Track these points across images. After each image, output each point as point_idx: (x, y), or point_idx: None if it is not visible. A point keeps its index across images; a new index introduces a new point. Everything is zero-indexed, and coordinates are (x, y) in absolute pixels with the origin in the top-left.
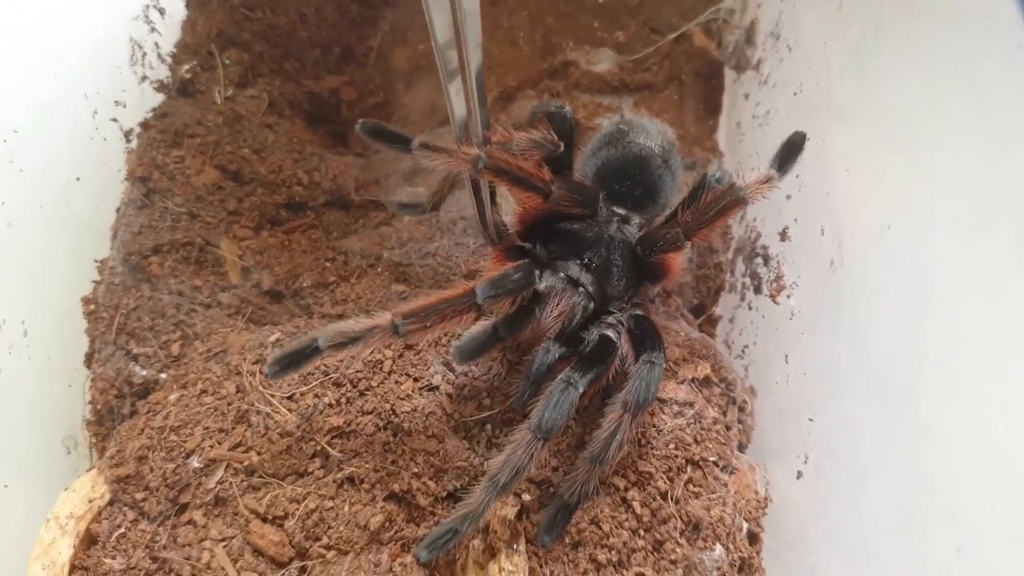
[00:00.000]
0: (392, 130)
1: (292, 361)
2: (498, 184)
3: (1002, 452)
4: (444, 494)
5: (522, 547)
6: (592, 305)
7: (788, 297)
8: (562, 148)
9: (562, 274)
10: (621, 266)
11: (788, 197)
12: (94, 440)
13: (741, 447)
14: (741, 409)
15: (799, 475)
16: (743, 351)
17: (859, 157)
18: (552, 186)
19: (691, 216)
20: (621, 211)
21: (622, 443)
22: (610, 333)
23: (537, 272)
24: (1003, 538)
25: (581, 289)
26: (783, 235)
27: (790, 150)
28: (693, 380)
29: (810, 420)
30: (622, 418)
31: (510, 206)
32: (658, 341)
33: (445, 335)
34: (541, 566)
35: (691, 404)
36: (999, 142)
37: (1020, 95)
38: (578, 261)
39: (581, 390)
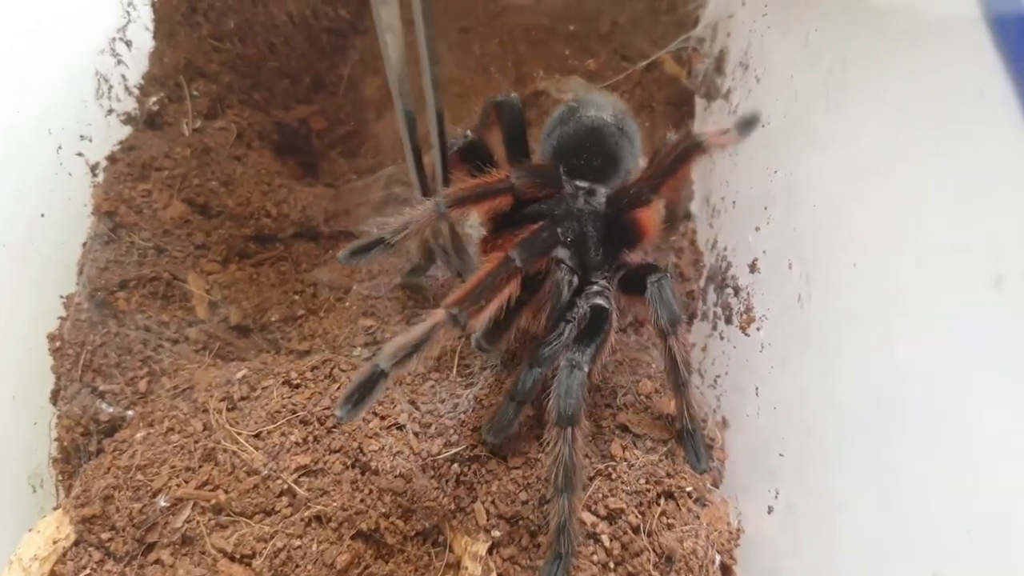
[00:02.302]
0: (365, 242)
1: (362, 394)
2: (468, 212)
3: (974, 477)
4: (413, 533)
5: None
6: (575, 278)
7: (758, 330)
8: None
9: None
10: (596, 236)
11: (757, 229)
12: (60, 478)
13: (714, 484)
14: (709, 447)
15: (770, 510)
16: (715, 381)
17: (825, 192)
18: (512, 178)
19: (653, 168)
20: (585, 184)
21: (573, 458)
22: (600, 301)
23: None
24: (980, 562)
25: (563, 265)
26: (752, 267)
27: (747, 122)
28: (667, 416)
29: (780, 455)
30: (561, 431)
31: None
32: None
33: (408, 375)
34: None
35: (665, 441)
36: (965, 173)
37: (984, 126)
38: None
39: (587, 369)
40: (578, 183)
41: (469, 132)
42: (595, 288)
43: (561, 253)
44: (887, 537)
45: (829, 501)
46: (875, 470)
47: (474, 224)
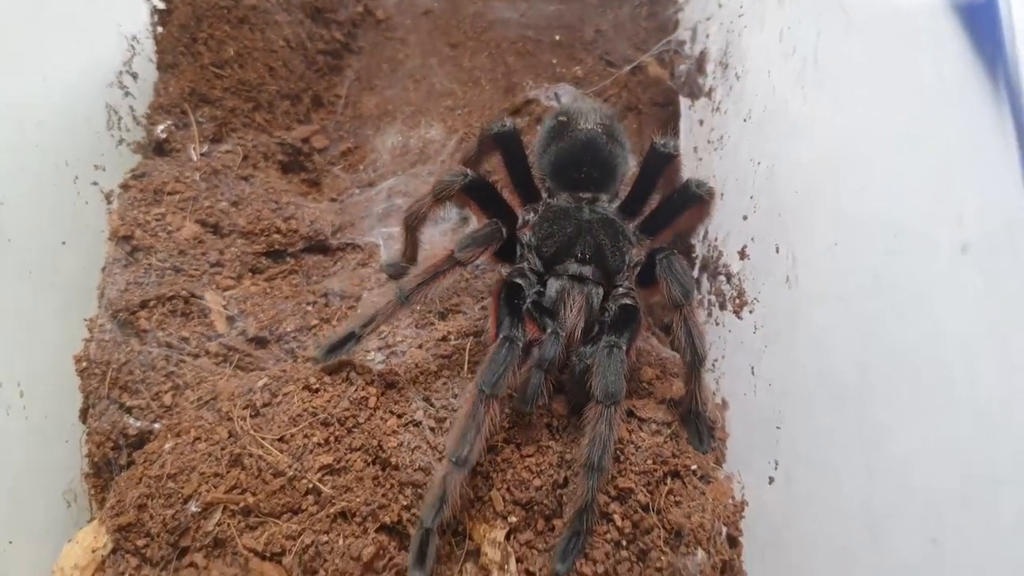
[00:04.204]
0: (338, 339)
1: (334, 349)
2: (427, 295)
3: (967, 443)
4: None
5: (512, 567)
6: (601, 289)
7: (750, 312)
8: (504, 235)
9: (564, 276)
10: (609, 243)
11: (744, 218)
12: (93, 492)
13: (717, 462)
14: (711, 428)
15: (771, 480)
16: (713, 365)
17: (805, 177)
18: (456, 254)
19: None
20: (587, 195)
21: (610, 439)
22: (627, 301)
23: (535, 277)
24: (977, 526)
25: (588, 279)
26: (742, 253)
27: None
28: (670, 400)
29: (777, 428)
30: (604, 410)
31: None
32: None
33: (421, 374)
34: None
35: (669, 423)
36: (930, 152)
37: (948, 107)
38: (573, 258)
39: (625, 347)
40: (580, 195)
41: (468, 171)
42: (620, 291)
43: (584, 270)
44: (881, 503)
45: (825, 470)
46: (866, 438)
47: None
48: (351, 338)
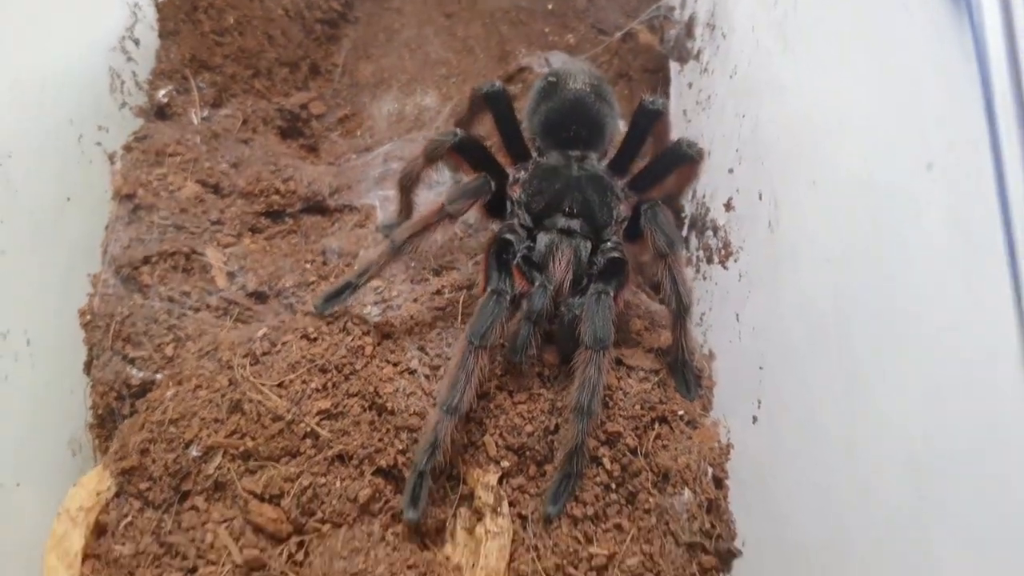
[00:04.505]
0: (335, 288)
1: (331, 298)
2: (419, 245)
3: (944, 384)
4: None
5: (505, 510)
6: (590, 243)
7: (735, 261)
8: (492, 188)
9: (553, 230)
10: (597, 199)
11: (730, 171)
12: (97, 442)
13: (704, 409)
14: (698, 376)
15: (754, 420)
16: (700, 318)
17: (785, 121)
18: (446, 206)
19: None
20: (576, 153)
21: (599, 383)
22: (614, 254)
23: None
24: (958, 461)
25: (576, 233)
26: (728, 205)
27: None
28: (657, 349)
29: (760, 368)
30: (593, 355)
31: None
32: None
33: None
34: (524, 527)
35: (656, 371)
36: (896, 83)
37: (914, 40)
38: (561, 212)
39: (612, 293)
40: (570, 152)
41: (458, 130)
42: (608, 245)
43: (572, 224)
44: (860, 433)
45: (805, 404)
46: (843, 369)
47: None
48: (348, 287)
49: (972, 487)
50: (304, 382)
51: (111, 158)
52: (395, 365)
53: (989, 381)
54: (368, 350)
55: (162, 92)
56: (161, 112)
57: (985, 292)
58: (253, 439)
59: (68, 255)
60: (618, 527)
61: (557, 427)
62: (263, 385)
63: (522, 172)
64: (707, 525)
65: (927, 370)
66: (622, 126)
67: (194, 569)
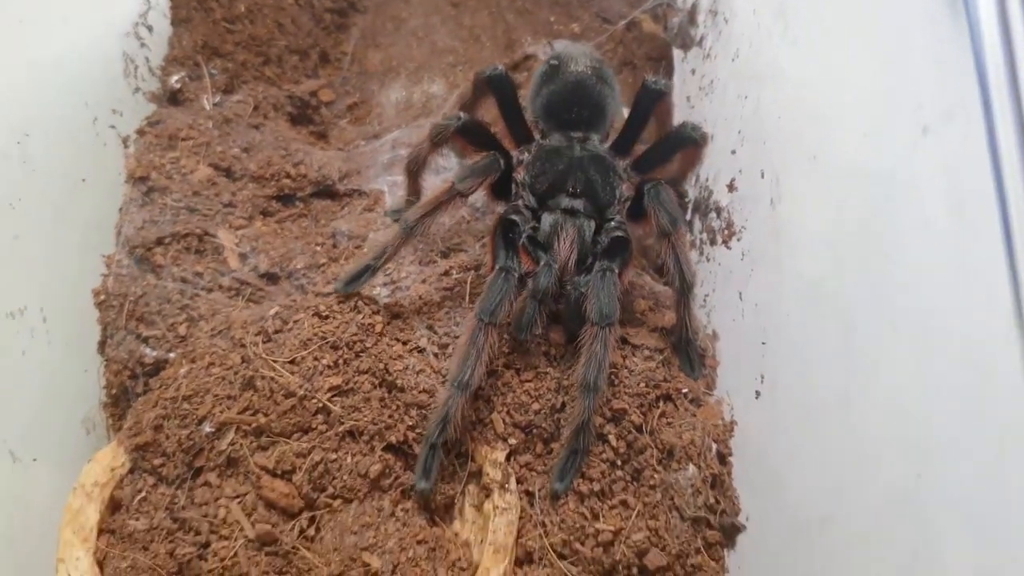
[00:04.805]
0: (355, 270)
1: (352, 280)
2: (430, 225)
3: (941, 358)
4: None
5: (512, 486)
6: (593, 223)
7: (738, 241)
8: (501, 166)
9: (557, 210)
10: (600, 178)
11: (733, 152)
12: (111, 421)
13: (708, 388)
14: (702, 356)
15: (757, 395)
16: (704, 300)
17: (786, 100)
18: (456, 185)
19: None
20: (578, 134)
21: (605, 359)
22: (618, 233)
23: (529, 213)
24: (959, 427)
25: (580, 212)
26: (730, 186)
27: None
28: (661, 329)
29: (763, 344)
30: (599, 331)
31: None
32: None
33: (428, 308)
34: (531, 504)
35: (661, 350)
36: (893, 53)
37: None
38: (565, 193)
39: (617, 270)
40: (572, 134)
41: (462, 114)
42: (612, 224)
43: (576, 204)
44: (859, 409)
45: (806, 380)
46: (841, 341)
47: None
48: (367, 270)
49: (970, 462)
50: (315, 359)
51: (125, 142)
52: (404, 343)
53: (986, 356)
54: (378, 328)
55: (175, 78)
56: (174, 97)
57: (982, 269)
58: (265, 415)
59: (83, 235)
60: (624, 503)
61: (564, 405)
62: (275, 362)
63: (526, 154)
64: (711, 500)
65: (924, 344)
66: (624, 112)
67: (207, 544)
